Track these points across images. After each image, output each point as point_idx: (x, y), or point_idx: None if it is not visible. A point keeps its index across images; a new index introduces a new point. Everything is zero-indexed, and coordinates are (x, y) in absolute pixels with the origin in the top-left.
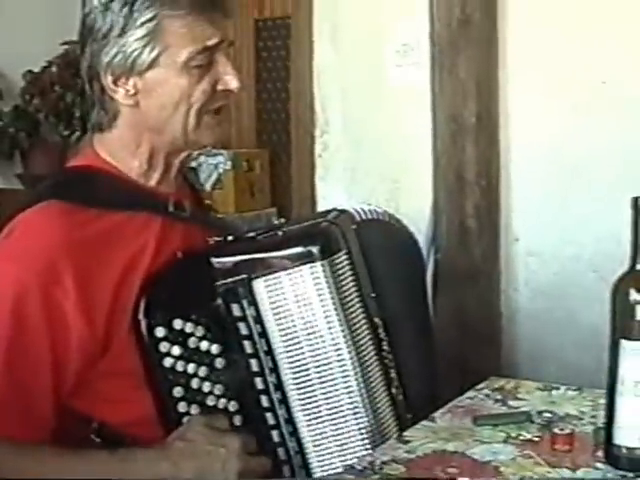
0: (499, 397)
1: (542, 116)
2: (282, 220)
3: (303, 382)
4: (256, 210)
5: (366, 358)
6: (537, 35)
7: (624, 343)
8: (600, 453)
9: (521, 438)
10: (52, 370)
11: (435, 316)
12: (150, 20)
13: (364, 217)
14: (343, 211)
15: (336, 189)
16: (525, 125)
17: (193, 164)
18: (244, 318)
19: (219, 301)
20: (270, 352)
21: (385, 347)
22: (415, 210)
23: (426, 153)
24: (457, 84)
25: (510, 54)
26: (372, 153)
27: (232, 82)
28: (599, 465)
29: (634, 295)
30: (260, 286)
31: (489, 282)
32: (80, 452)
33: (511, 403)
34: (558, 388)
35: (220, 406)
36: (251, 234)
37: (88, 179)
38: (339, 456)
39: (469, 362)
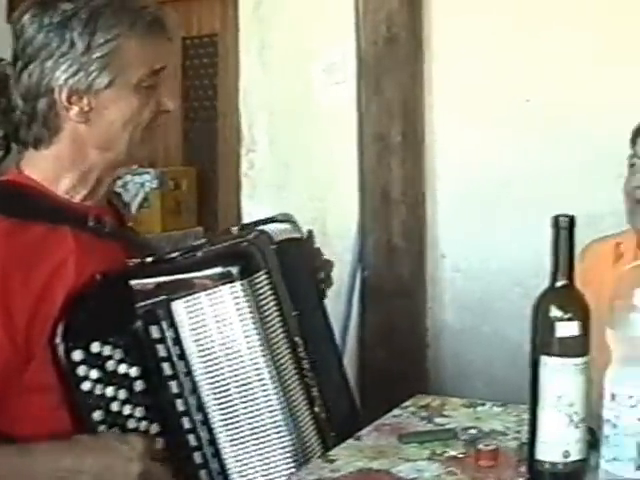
0: (425, 414)
1: (467, 134)
2: (202, 240)
3: (224, 403)
4: (183, 229)
5: (287, 377)
6: (462, 54)
7: (544, 359)
8: (523, 469)
9: (446, 455)
10: None
11: (362, 333)
12: (112, 40)
13: (282, 236)
14: (262, 231)
15: (262, 207)
16: (450, 143)
17: (119, 184)
18: (163, 340)
19: (138, 323)
20: (190, 374)
21: (306, 366)
22: (342, 228)
23: (352, 172)
24: (383, 103)
25: (435, 73)
26: (298, 171)
27: (169, 104)
28: None
29: (554, 312)
30: (179, 307)
31: (416, 299)
32: None
33: (437, 420)
34: (484, 404)
35: (141, 429)
36: (171, 255)
37: (8, 191)
38: (263, 476)
39: (396, 378)
